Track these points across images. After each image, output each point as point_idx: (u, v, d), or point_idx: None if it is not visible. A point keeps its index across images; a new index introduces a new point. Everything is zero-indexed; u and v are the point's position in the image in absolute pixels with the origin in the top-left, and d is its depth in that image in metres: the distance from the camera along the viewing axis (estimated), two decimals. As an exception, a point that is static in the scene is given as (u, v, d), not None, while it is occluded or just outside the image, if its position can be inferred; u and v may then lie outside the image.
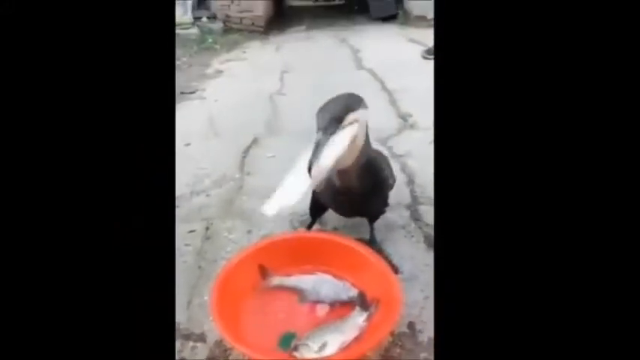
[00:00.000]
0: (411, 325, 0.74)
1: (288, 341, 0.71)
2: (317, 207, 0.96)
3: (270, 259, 0.84)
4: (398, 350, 0.70)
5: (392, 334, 0.72)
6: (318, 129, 0.71)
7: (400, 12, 4.34)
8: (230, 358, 0.71)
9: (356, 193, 0.82)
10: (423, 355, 0.69)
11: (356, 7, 5.28)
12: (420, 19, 3.95)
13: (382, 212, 0.95)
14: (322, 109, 0.73)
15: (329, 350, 0.66)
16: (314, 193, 0.94)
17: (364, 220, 0.95)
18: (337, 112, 0.71)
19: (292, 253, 0.86)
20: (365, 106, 0.76)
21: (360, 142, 0.77)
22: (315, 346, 0.67)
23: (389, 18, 4.33)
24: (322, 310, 0.78)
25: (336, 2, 7.02)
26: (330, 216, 1.01)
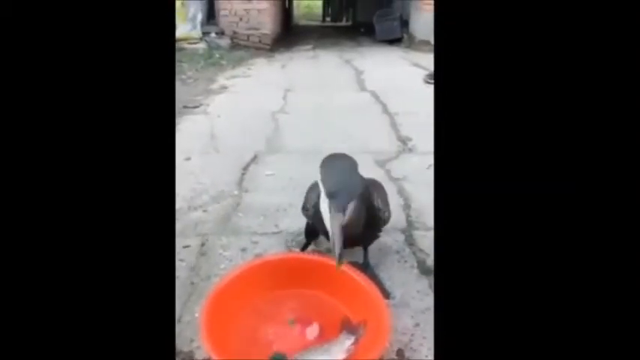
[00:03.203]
0: (399, 352, 0.74)
1: (276, 363, 0.71)
2: (312, 231, 0.96)
3: (262, 279, 0.84)
4: (385, 377, 0.70)
5: (380, 360, 0.72)
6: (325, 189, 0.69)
7: (405, 36, 4.42)
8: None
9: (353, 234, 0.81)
10: (410, 383, 0.69)
11: (362, 30, 5.39)
12: (424, 44, 4.02)
13: (375, 238, 0.95)
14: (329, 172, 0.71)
15: None
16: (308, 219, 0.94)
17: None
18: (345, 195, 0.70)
19: (284, 274, 0.86)
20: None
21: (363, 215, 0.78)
22: None
23: (394, 41, 4.41)
24: (312, 333, 0.78)
25: (343, 24, 7.17)
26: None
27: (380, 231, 0.94)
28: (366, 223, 0.81)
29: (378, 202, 0.85)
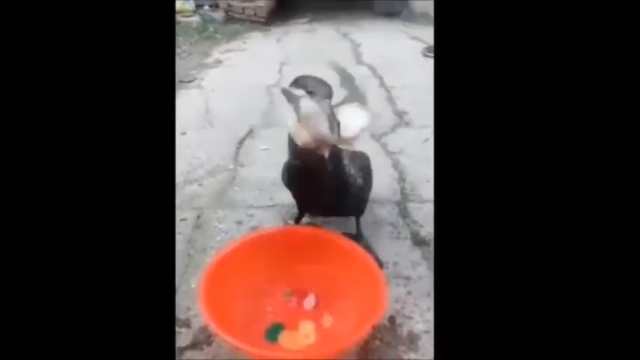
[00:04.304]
0: (391, 319, 0.76)
1: (275, 333, 0.73)
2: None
3: (259, 252, 0.85)
4: (377, 343, 0.72)
5: (373, 327, 0.74)
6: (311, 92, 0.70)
7: (404, 8, 4.32)
8: (213, 344, 0.73)
9: (323, 187, 0.80)
10: (401, 348, 0.71)
11: (360, 2, 5.26)
12: (424, 17, 3.93)
13: (362, 208, 0.95)
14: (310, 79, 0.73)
15: None
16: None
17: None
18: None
19: (281, 246, 0.87)
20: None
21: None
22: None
23: (392, 13, 4.31)
24: (309, 304, 0.80)
25: (341, -5, 6.98)
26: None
27: (364, 200, 0.94)
28: (336, 187, 0.81)
29: (349, 169, 0.84)
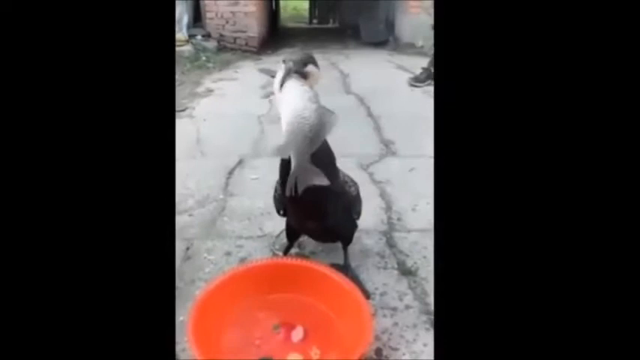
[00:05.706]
0: (378, 351, 0.77)
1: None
2: (293, 231, 0.99)
3: (247, 285, 0.86)
4: (364, 375, 0.72)
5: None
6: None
7: (391, 38, 4.47)
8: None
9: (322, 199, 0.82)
10: (387, 380, 0.72)
11: (349, 32, 5.43)
12: (409, 46, 4.07)
13: (353, 232, 0.97)
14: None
15: None
16: (288, 218, 0.96)
17: (340, 245, 0.98)
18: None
19: (268, 279, 0.88)
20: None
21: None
22: None
23: (380, 43, 4.46)
24: (297, 336, 0.80)
25: (330, 25, 7.21)
26: (308, 239, 1.04)
27: (355, 224, 0.96)
28: (335, 196, 0.84)
29: (345, 177, 0.89)
